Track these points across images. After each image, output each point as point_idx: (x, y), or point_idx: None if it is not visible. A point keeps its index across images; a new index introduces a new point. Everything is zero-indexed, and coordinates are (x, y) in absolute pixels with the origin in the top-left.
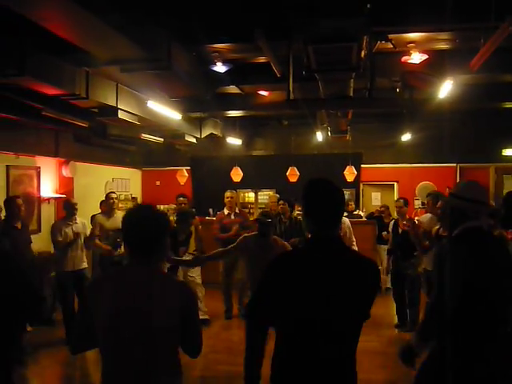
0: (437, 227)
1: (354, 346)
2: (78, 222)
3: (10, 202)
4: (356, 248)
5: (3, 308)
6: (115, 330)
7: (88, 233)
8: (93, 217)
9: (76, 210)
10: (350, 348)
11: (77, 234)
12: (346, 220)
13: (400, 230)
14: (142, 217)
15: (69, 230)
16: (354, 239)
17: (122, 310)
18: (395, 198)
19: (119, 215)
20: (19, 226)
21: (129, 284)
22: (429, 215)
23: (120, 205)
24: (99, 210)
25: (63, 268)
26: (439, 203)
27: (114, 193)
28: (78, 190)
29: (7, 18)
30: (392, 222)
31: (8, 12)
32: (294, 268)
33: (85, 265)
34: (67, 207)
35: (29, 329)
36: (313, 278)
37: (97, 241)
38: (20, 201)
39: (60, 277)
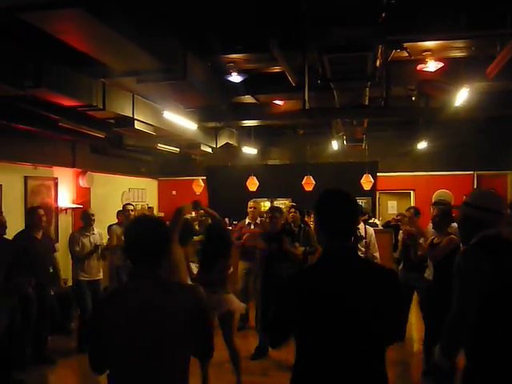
0: (432, 237)
1: (381, 358)
2: (95, 232)
3: (31, 212)
4: (378, 257)
5: None
6: (126, 343)
7: (104, 243)
8: (109, 227)
9: (93, 220)
10: (376, 361)
11: (96, 246)
12: (370, 229)
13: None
14: (142, 229)
15: (86, 241)
16: (377, 249)
17: (132, 323)
18: (412, 206)
19: None
20: (39, 236)
21: (136, 297)
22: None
23: (137, 215)
24: (116, 220)
25: (79, 277)
26: (434, 211)
27: (130, 204)
28: (94, 201)
29: (24, 31)
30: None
31: (25, 25)
32: (311, 283)
33: (100, 275)
34: (84, 218)
35: None
36: (331, 292)
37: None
38: (42, 211)
39: (77, 286)
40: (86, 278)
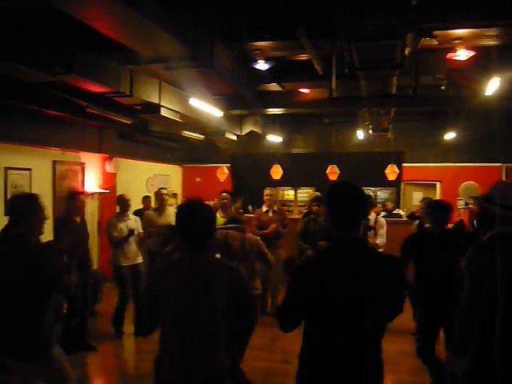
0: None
1: (380, 339)
2: (130, 218)
3: (72, 197)
4: (381, 244)
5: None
6: (178, 308)
7: (140, 228)
8: (136, 212)
9: (129, 206)
10: (376, 342)
11: (130, 231)
12: (381, 220)
13: None
14: (195, 210)
15: (123, 226)
16: (383, 237)
17: (184, 291)
18: (437, 198)
19: (170, 211)
20: (78, 220)
21: (189, 270)
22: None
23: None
24: (141, 206)
25: (120, 262)
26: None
27: (164, 189)
28: (120, 186)
29: (55, 18)
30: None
31: (56, 12)
32: (319, 272)
33: (140, 259)
34: (121, 203)
35: None
36: (337, 280)
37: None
38: (83, 197)
39: (117, 271)
40: (126, 263)
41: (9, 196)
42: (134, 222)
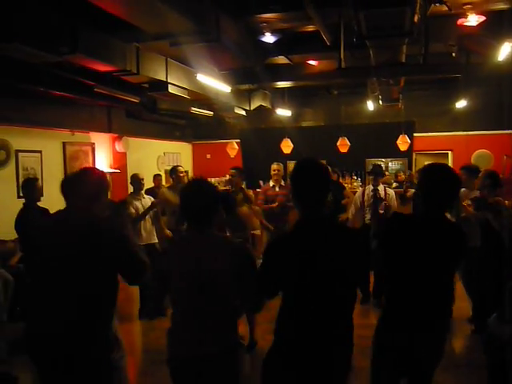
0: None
1: (349, 312)
2: (145, 197)
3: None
4: None
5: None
6: (184, 286)
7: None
8: (147, 190)
9: (143, 184)
10: (346, 315)
11: (151, 206)
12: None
13: None
14: (198, 190)
15: (139, 204)
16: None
17: (188, 270)
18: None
19: None
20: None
21: (192, 248)
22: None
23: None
24: (152, 184)
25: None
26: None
27: (181, 166)
28: (130, 165)
29: None
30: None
31: None
32: (288, 247)
33: (155, 239)
34: (134, 182)
35: None
36: (304, 254)
37: (162, 224)
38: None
39: None
40: (141, 242)
41: (21, 179)
42: (148, 201)
